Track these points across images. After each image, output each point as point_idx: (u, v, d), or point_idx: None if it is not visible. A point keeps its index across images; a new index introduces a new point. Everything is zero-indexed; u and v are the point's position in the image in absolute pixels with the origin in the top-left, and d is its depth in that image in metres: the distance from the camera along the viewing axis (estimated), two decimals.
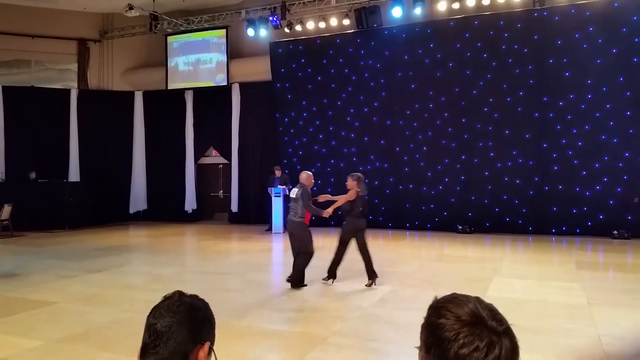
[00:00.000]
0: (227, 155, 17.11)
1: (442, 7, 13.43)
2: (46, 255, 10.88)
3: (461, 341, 1.02)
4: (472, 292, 1.14)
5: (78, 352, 5.05)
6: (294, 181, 14.03)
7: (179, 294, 1.42)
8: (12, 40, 16.85)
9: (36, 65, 18.05)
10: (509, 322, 1.07)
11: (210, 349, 1.39)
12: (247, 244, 12.75)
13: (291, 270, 7.85)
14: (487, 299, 1.11)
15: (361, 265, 7.94)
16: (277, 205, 14.14)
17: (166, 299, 1.41)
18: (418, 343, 1.13)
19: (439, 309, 1.09)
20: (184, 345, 1.33)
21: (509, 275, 8.37)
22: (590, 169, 12.39)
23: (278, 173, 14.40)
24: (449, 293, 1.16)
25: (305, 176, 8.07)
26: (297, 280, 7.68)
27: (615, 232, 11.89)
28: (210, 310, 1.45)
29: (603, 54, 12.20)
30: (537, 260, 9.74)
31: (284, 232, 14.08)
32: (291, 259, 8.02)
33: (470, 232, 13.18)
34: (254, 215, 16.40)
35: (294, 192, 7.80)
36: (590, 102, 12.37)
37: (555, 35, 12.66)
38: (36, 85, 17.36)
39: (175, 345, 1.32)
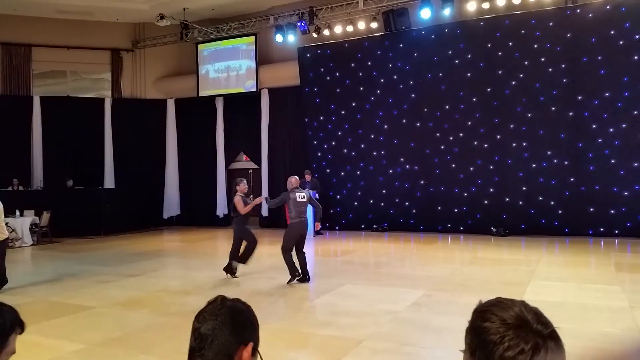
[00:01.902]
0: (257, 160, 17.27)
1: (471, 7, 13.27)
2: (84, 260, 11.18)
3: (506, 344, 1.02)
4: (508, 296, 1.15)
5: (118, 355, 5.16)
6: (325, 185, 14.13)
7: (221, 298, 1.46)
8: (48, 52, 17.41)
9: (71, 75, 18.59)
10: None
11: (255, 350, 1.42)
12: (278, 248, 12.73)
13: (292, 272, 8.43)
14: None
15: (389, 268, 7.96)
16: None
17: (209, 303, 1.45)
18: (455, 347, 1.14)
19: (484, 313, 1.10)
20: (227, 347, 1.37)
21: (546, 278, 8.19)
22: (629, 169, 12.04)
23: (308, 177, 14.45)
24: (488, 298, 1.16)
25: (295, 180, 8.94)
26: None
27: None
28: (253, 312, 1.48)
29: None
30: (574, 262, 9.50)
31: (314, 236, 14.15)
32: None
33: (505, 235, 12.95)
34: (283, 219, 16.41)
35: (304, 197, 8.63)
36: (627, 100, 12.03)
37: (589, 33, 12.36)
38: (71, 95, 17.88)
39: (220, 347, 1.36)
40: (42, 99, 17.05)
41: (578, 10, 12.57)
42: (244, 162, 18.04)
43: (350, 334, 5.63)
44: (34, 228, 14.03)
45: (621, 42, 12.03)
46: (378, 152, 14.95)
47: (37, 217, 14.18)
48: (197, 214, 17.87)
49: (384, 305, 6.82)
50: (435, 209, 14.12)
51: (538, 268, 9.03)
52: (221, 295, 1.48)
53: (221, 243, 14.62)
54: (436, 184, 14.16)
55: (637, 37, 11.87)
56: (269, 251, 12.78)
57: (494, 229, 13.13)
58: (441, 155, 14.09)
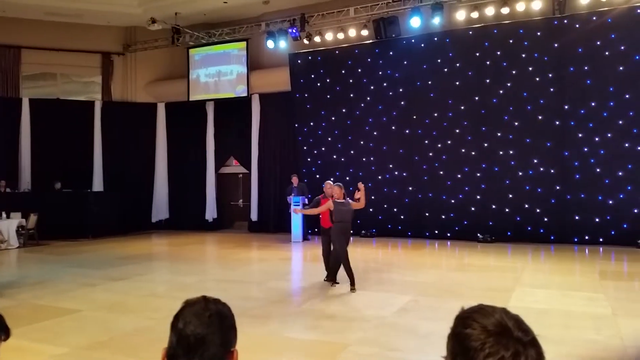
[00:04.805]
0: (247, 164, 17.28)
1: (460, 16, 13.43)
2: (71, 263, 11.10)
3: (487, 351, 1.03)
4: (494, 302, 1.16)
5: (103, 359, 5.15)
6: (312, 190, 14.15)
7: (205, 301, 1.42)
8: (38, 54, 17.31)
9: (61, 78, 18.49)
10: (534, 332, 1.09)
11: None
12: (266, 252, 12.82)
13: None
14: (509, 309, 1.13)
15: (376, 274, 7.99)
16: (295, 214, 14.20)
17: (191, 305, 1.40)
18: (440, 353, 1.15)
19: (466, 319, 1.11)
20: (218, 356, 1.35)
21: (531, 285, 8.28)
22: (614, 177, 12.21)
23: (295, 181, 14.46)
24: (473, 303, 1.17)
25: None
26: None
27: None
28: (232, 313, 1.45)
29: (625, 60, 12.06)
30: (559, 269, 9.60)
31: (302, 241, 14.22)
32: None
33: (491, 241, 13.06)
34: (273, 224, 16.51)
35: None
36: (613, 110, 12.21)
37: (575, 43, 12.56)
38: (61, 98, 17.78)
39: (211, 357, 1.34)
40: (31, 101, 16.94)
41: (565, 21, 12.76)
42: (234, 167, 18.05)
43: (336, 339, 5.66)
44: (20, 230, 13.90)
45: (607, 53, 12.23)
46: (367, 158, 15.02)
47: (24, 220, 14.05)
48: (186, 218, 17.80)
49: (370, 311, 6.86)
50: (423, 215, 14.21)
51: (523, 275, 9.12)
52: (204, 296, 1.44)
53: (210, 248, 14.61)
54: (424, 191, 14.26)
55: (622, 47, 12.07)
56: (259, 256, 12.81)
57: (481, 236, 13.25)
58: (429, 162, 14.20)
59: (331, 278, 8.42)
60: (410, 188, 14.45)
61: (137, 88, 18.56)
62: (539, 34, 12.95)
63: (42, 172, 16.55)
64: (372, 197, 14.85)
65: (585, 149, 12.50)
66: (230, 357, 1.38)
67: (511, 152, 13.25)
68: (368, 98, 14.95)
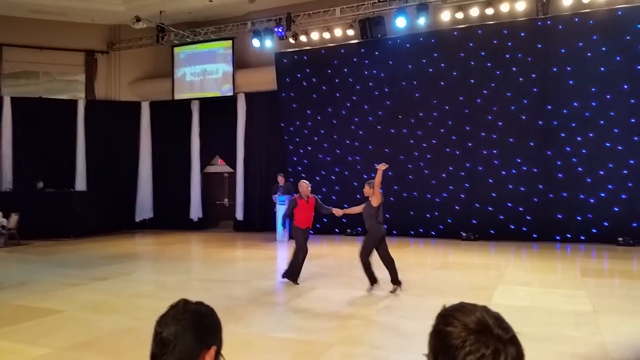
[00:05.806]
0: (232, 164, 17.23)
1: (445, 17, 13.52)
2: (53, 263, 10.98)
3: (467, 349, 1.05)
4: (476, 300, 1.18)
5: None
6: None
7: (184, 302, 1.46)
8: (20, 52, 17.08)
9: (44, 76, 18.26)
10: (515, 330, 1.10)
11: (218, 353, 1.43)
12: (252, 251, 12.80)
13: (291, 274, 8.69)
14: (492, 306, 1.14)
15: (361, 272, 7.98)
16: (280, 213, 14.18)
17: (171, 307, 1.44)
18: (424, 351, 1.16)
19: (447, 317, 1.12)
20: (190, 351, 1.37)
21: (514, 283, 8.37)
22: (595, 176, 12.38)
23: (281, 180, 14.46)
24: (456, 301, 1.18)
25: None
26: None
27: (620, 239, 11.85)
28: (216, 315, 1.48)
29: (607, 62, 12.23)
30: (541, 267, 9.73)
31: (288, 240, 14.19)
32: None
33: (475, 240, 13.18)
34: (258, 223, 16.48)
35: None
36: (595, 110, 12.39)
37: (558, 44, 12.71)
38: (44, 96, 17.56)
39: (182, 352, 1.36)
40: (12, 99, 16.70)
41: (549, 22, 12.91)
42: (219, 166, 17.98)
43: (321, 338, 5.67)
44: (1, 230, 13.70)
45: (589, 54, 12.40)
46: (353, 157, 15.06)
47: (5, 219, 13.86)
48: (170, 217, 17.69)
49: (355, 309, 6.89)
50: (408, 214, 14.28)
51: (506, 273, 9.22)
52: (184, 299, 1.47)
53: (195, 247, 14.53)
54: (409, 190, 14.33)
55: (603, 48, 12.25)
56: (244, 255, 12.79)
57: (464, 234, 13.36)
58: (414, 161, 14.28)
59: (370, 280, 7.89)
60: (395, 187, 14.50)
61: (121, 87, 18.39)
62: (522, 34, 13.09)
63: (24, 171, 16.34)
64: (358, 196, 14.88)
65: (568, 149, 12.66)
66: (206, 353, 1.39)
67: (495, 151, 13.38)
68: (354, 98, 14.99)
